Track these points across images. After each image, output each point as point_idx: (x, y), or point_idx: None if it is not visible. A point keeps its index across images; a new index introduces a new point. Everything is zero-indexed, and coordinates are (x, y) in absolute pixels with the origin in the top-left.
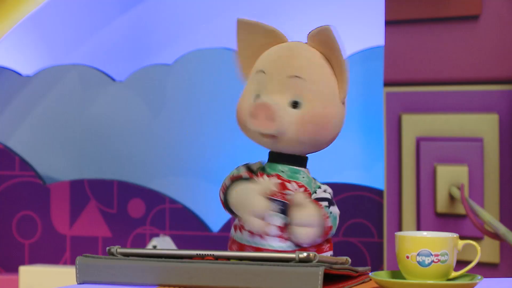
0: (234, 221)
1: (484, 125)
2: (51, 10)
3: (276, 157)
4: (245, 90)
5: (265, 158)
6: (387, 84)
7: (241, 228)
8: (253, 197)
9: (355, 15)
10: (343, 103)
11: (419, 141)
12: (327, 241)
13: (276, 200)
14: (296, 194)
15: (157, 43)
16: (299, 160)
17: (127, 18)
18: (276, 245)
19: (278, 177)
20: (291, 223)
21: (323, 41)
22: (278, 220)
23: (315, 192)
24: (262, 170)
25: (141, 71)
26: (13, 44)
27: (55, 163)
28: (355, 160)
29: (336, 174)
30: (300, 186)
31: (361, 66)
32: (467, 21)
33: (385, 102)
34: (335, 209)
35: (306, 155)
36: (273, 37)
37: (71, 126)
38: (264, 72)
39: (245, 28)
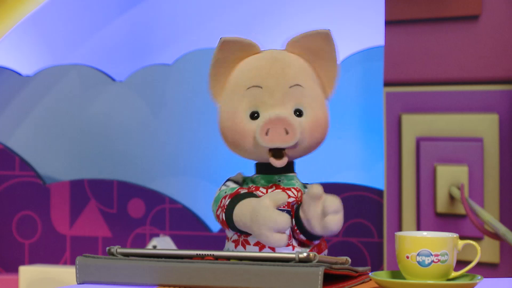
0: (229, 236)
1: (484, 125)
2: (51, 10)
3: (268, 169)
4: (230, 109)
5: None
6: (387, 84)
7: (245, 243)
8: (270, 212)
9: (355, 15)
10: None
11: (419, 141)
12: (323, 239)
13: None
14: (313, 186)
15: (157, 43)
16: (290, 166)
17: (127, 18)
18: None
19: (277, 187)
20: (325, 213)
21: (308, 46)
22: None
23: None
24: (253, 183)
25: (141, 71)
26: (13, 44)
27: (55, 163)
28: (355, 160)
29: (336, 174)
30: (298, 191)
31: (361, 66)
32: (467, 21)
33: (385, 102)
34: None
35: (294, 160)
36: (248, 50)
37: (71, 126)
38: (260, 87)
39: (225, 47)
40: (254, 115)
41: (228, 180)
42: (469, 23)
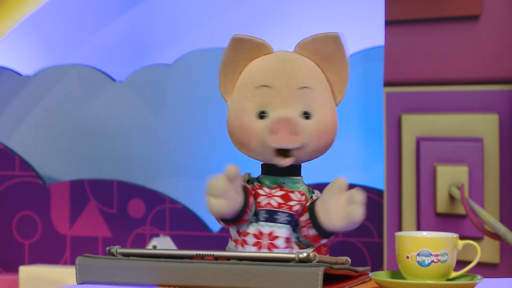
0: (232, 234)
1: (484, 125)
2: (51, 10)
3: (274, 170)
4: (238, 107)
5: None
6: (387, 84)
7: (244, 243)
8: (211, 179)
9: (355, 15)
10: None
11: (419, 141)
12: (324, 244)
13: (283, 211)
14: (339, 178)
15: (157, 43)
16: (297, 170)
17: (127, 18)
18: None
19: (281, 188)
20: (351, 201)
21: (317, 49)
22: (284, 231)
23: (311, 198)
24: (259, 182)
25: (141, 71)
26: (13, 44)
27: (55, 163)
28: (355, 160)
29: (336, 174)
30: (302, 194)
31: (361, 66)
32: (467, 21)
33: (385, 102)
34: None
35: (300, 164)
36: (259, 50)
37: (71, 126)
38: (269, 87)
39: (237, 45)
40: (262, 115)
41: None
42: (469, 23)
